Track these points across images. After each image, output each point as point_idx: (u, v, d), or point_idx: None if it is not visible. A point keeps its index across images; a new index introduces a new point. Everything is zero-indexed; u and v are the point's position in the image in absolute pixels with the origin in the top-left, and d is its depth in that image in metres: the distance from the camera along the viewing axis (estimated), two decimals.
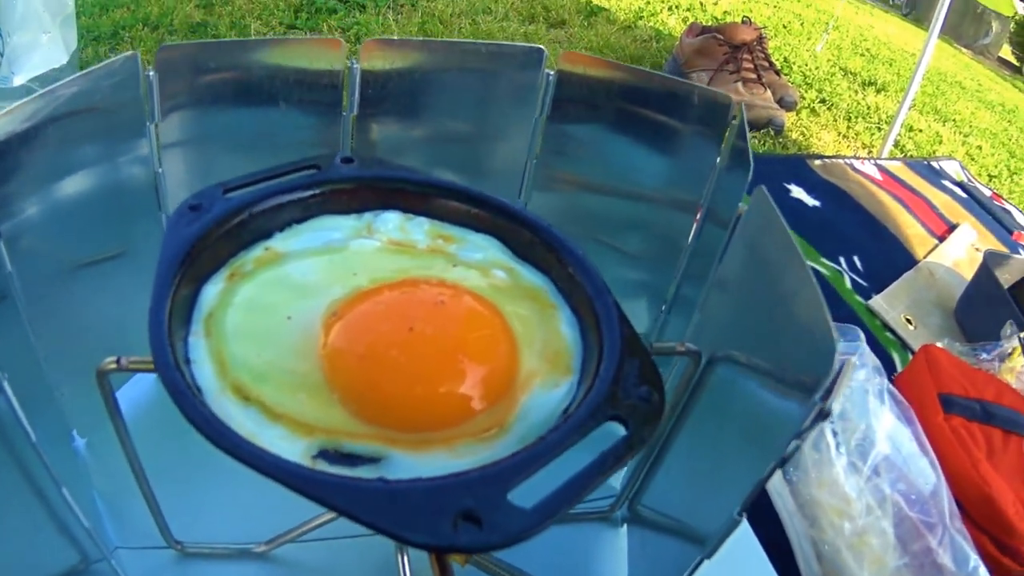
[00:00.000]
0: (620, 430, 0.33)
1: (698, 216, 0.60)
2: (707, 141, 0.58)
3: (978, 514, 0.69)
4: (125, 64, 0.51)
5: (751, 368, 0.42)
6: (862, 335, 0.77)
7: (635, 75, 0.60)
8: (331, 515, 0.52)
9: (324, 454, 0.33)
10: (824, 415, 0.31)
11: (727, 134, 0.56)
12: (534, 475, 0.30)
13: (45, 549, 0.47)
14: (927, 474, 0.67)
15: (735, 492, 0.38)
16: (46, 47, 1.03)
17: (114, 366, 0.39)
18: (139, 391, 0.59)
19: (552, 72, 0.60)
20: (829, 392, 0.31)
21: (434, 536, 0.27)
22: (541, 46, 0.60)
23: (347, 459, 0.33)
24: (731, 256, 0.50)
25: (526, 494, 0.29)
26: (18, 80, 1.00)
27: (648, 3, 1.95)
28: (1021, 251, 1.28)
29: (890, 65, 2.13)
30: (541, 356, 0.38)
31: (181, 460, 0.54)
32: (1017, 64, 3.53)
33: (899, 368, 0.94)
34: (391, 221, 0.45)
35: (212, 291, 0.39)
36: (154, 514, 0.48)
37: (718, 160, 0.57)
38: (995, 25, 3.53)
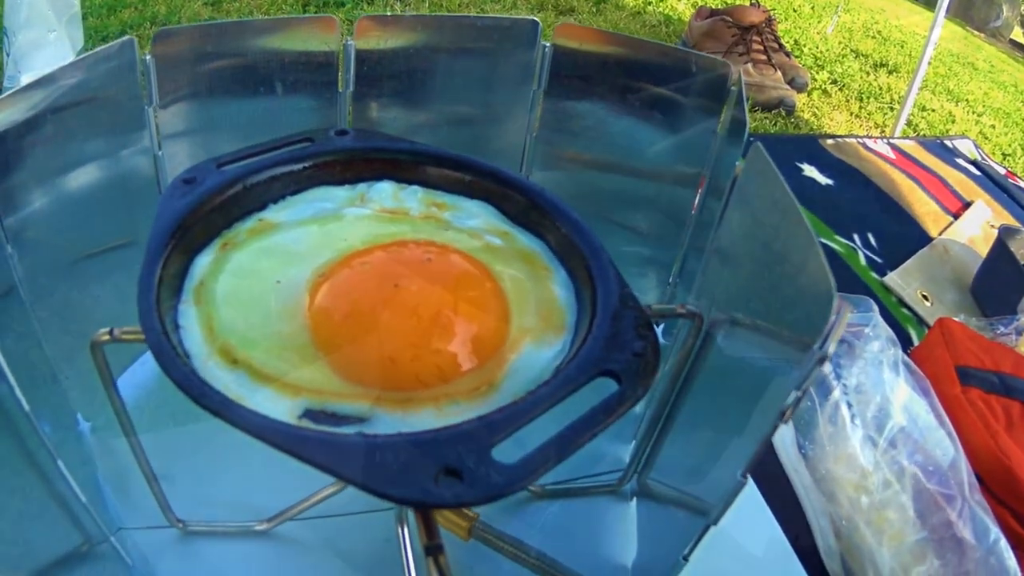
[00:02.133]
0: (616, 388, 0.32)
1: (701, 188, 0.59)
2: (707, 109, 0.57)
3: (998, 487, 0.67)
4: (122, 49, 0.51)
5: (752, 327, 0.41)
6: (875, 306, 0.75)
7: (631, 45, 0.59)
8: (331, 490, 0.52)
9: (310, 414, 0.32)
10: (823, 360, 0.31)
11: (726, 101, 0.55)
12: (520, 430, 0.29)
13: (48, 531, 0.47)
14: (945, 446, 0.66)
15: (739, 455, 0.37)
16: (52, 45, 1.04)
17: (107, 337, 0.39)
18: (143, 375, 0.58)
19: (548, 44, 0.59)
20: (827, 337, 0.30)
21: (414, 491, 0.26)
22: (536, 18, 0.59)
23: (333, 419, 0.32)
24: (730, 216, 0.49)
25: (520, 453, 0.28)
26: (25, 79, 1.01)
27: None
28: None
29: (901, 47, 2.10)
30: (534, 315, 0.37)
31: (184, 440, 0.54)
32: None
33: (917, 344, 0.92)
34: (384, 190, 0.45)
35: (204, 261, 0.39)
36: (155, 493, 0.48)
37: (718, 128, 0.56)
38: (1005, 8, 3.48)
